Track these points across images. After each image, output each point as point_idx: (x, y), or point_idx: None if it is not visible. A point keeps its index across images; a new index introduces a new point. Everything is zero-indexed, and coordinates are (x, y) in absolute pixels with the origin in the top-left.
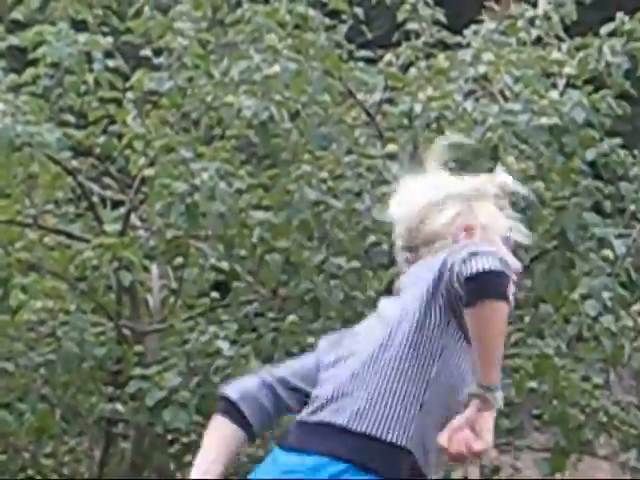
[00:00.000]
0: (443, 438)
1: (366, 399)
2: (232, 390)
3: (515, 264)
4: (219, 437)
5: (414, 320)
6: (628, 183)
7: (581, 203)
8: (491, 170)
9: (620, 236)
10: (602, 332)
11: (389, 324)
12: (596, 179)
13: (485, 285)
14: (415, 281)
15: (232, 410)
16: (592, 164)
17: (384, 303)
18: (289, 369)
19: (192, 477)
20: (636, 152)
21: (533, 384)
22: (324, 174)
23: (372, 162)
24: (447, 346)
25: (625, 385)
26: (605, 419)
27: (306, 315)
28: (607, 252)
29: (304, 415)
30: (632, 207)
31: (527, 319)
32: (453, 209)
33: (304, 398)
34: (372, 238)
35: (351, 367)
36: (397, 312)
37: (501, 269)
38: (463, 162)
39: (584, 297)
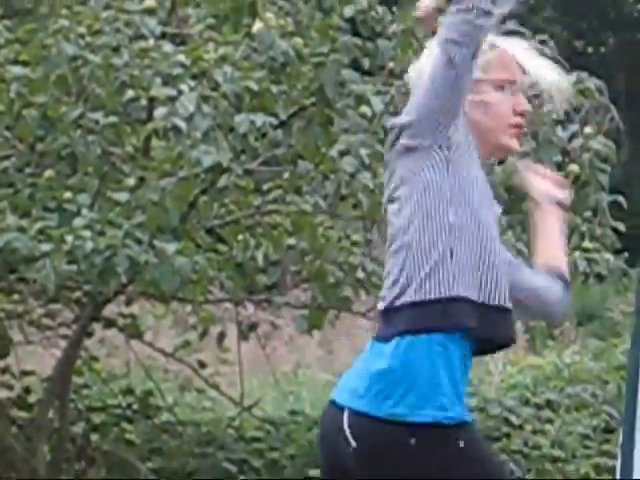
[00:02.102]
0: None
1: (400, 273)
2: None
3: None
4: None
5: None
6: (386, 40)
7: (339, 60)
8: (249, 26)
9: (378, 93)
10: (360, 189)
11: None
12: (355, 36)
13: None
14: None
15: None
16: (351, 20)
17: None
18: None
19: None
20: (395, 9)
21: (291, 241)
22: (82, 29)
23: (130, 17)
24: (455, 182)
25: None
26: (363, 276)
27: (63, 170)
28: (365, 109)
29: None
30: (390, 64)
31: (286, 176)
32: None
33: None
34: (130, 93)
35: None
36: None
37: None
38: (222, 18)
39: (342, 154)
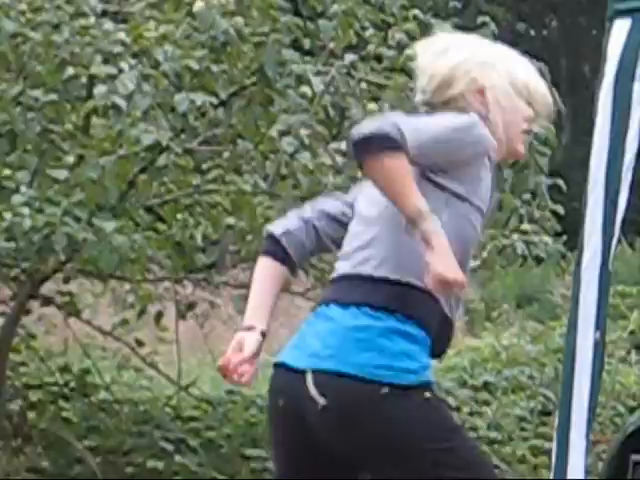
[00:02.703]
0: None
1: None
2: (275, 227)
3: (490, 142)
4: (263, 280)
5: None
6: (327, 20)
7: (280, 39)
8: (190, 5)
9: (318, 73)
10: (299, 169)
11: None
12: (296, 16)
13: (355, 149)
14: None
15: (275, 248)
16: (292, 0)
17: None
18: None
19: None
20: None
21: (231, 220)
22: (23, 6)
23: None
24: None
25: None
26: None
27: (2, 147)
28: (305, 89)
29: (340, 270)
30: (331, 44)
31: (225, 155)
32: (476, 74)
33: (343, 230)
34: (70, 71)
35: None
36: None
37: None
38: None
39: (282, 134)
